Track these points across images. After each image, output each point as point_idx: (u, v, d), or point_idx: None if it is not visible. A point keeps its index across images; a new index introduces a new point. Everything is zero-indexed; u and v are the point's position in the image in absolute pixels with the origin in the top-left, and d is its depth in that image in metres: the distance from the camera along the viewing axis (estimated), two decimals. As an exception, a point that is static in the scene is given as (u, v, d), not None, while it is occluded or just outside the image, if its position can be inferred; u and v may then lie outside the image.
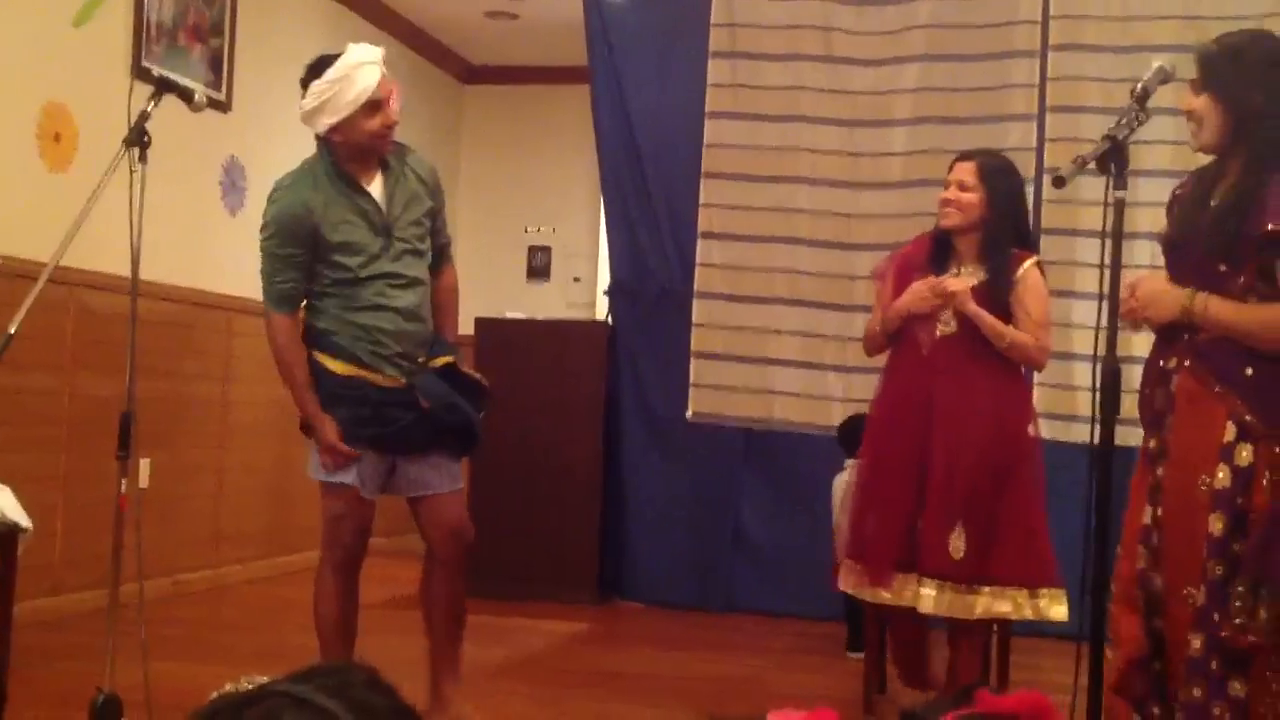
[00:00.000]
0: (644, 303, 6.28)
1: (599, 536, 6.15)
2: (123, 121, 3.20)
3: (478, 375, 3.67)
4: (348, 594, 3.56)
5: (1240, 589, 2.58)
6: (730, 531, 6.06)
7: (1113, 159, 2.72)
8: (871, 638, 4.12)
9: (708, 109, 6.06)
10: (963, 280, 3.70)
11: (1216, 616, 2.60)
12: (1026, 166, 5.41)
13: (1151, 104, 2.78)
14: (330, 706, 1.05)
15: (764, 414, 5.94)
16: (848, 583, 3.84)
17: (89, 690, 3.12)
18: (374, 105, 3.40)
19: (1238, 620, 2.57)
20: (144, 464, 5.42)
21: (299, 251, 3.43)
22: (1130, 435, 2.89)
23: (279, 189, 3.50)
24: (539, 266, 8.79)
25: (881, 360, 3.96)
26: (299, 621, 3.92)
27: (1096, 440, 2.71)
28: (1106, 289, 2.74)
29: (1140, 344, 3.00)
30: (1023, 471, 3.68)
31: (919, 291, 3.72)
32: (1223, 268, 2.68)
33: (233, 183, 6.31)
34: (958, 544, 3.59)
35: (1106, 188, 2.72)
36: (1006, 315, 3.69)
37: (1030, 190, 5.38)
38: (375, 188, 3.50)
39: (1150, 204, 4.35)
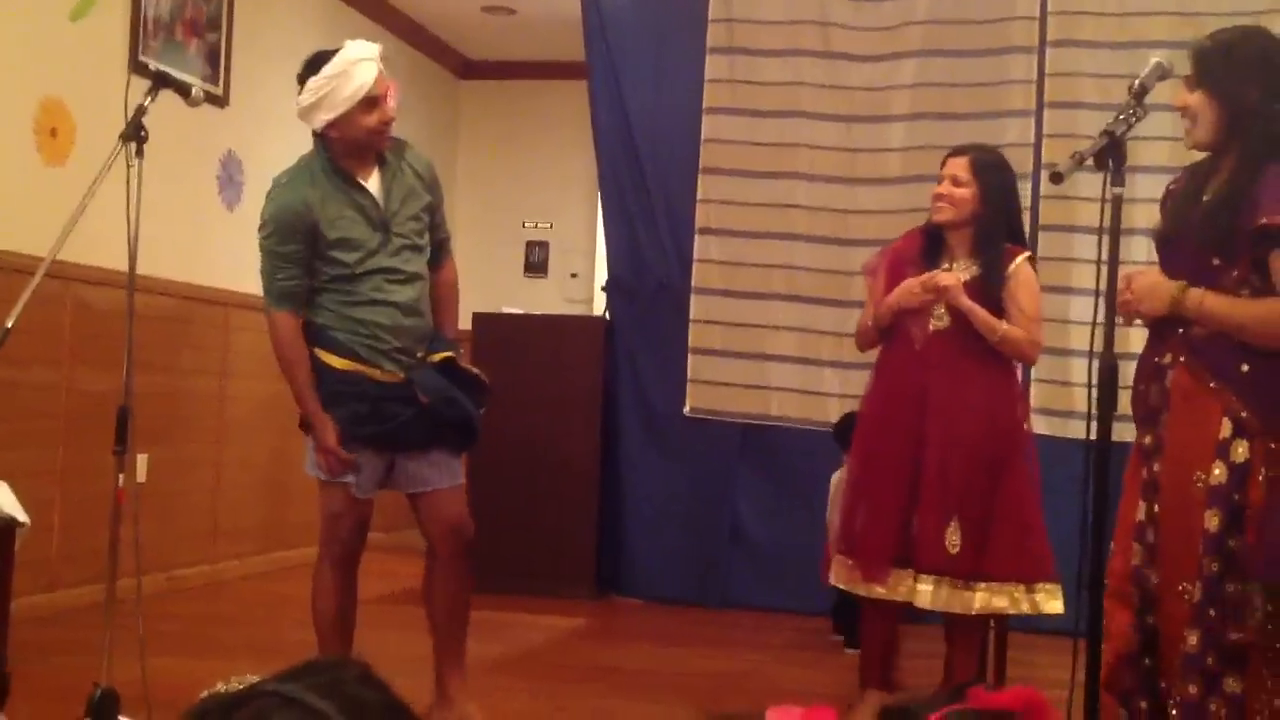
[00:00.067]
0: (642, 298, 6.27)
1: (597, 532, 6.15)
2: (120, 116, 3.21)
3: (477, 370, 3.67)
4: (346, 589, 3.56)
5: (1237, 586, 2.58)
6: (728, 527, 6.05)
7: (1110, 155, 2.72)
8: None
9: (705, 104, 6.05)
10: (955, 275, 3.71)
11: (1212, 613, 2.60)
12: (1024, 162, 5.41)
13: (1149, 100, 2.77)
14: (320, 706, 1.04)
15: (761, 409, 5.94)
16: (840, 577, 3.84)
17: (86, 685, 3.13)
18: (371, 101, 3.39)
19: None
20: (141, 459, 5.42)
21: (298, 248, 3.42)
22: (1127, 431, 2.89)
23: (276, 187, 3.50)
24: (536, 262, 8.79)
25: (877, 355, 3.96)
26: (296, 617, 3.92)
27: (1093, 436, 2.72)
28: (1104, 285, 2.74)
29: (1137, 341, 2.99)
30: (1017, 466, 3.68)
31: (911, 287, 3.72)
32: (1216, 262, 2.68)
33: (230, 177, 6.30)
34: (953, 539, 3.60)
35: (1104, 184, 2.72)
36: (999, 310, 3.69)
37: (1028, 186, 5.39)
38: (373, 183, 3.50)
39: (1148, 200, 4.32)
